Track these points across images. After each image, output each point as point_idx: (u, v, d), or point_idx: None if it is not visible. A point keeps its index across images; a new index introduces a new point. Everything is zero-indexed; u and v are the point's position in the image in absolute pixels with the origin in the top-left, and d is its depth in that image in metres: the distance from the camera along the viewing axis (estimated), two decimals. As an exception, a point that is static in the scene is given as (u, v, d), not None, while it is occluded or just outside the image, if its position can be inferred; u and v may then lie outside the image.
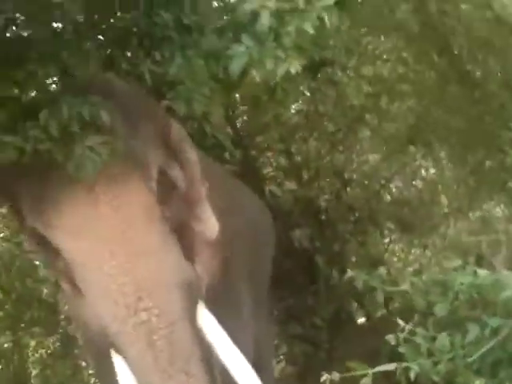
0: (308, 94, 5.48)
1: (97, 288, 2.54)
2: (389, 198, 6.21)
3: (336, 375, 2.39)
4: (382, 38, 5.04)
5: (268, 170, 5.88)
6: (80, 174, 2.46)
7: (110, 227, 2.54)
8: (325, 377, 2.41)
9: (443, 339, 2.45)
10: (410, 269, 5.89)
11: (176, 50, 2.58)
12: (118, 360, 2.61)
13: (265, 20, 2.22)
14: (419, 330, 2.51)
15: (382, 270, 2.84)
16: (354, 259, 5.85)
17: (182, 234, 2.77)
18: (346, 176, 5.94)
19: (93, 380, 6.11)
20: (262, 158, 5.78)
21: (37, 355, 6.60)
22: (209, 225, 2.95)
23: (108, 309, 2.52)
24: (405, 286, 2.74)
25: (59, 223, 2.57)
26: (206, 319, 2.66)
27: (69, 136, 2.49)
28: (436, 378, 2.40)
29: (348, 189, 6.03)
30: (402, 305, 2.91)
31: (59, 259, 2.71)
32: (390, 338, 2.49)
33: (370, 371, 2.38)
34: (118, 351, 2.56)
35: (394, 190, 6.36)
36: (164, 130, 2.89)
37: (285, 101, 4.95)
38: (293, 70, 2.36)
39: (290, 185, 5.64)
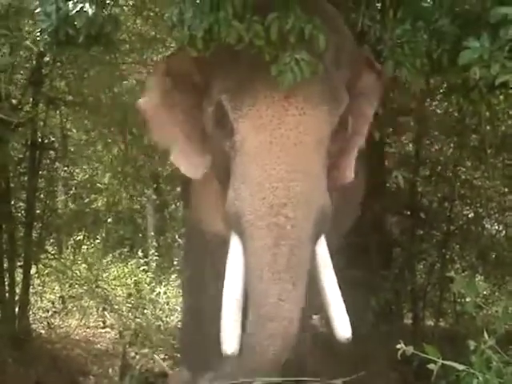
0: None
1: (252, 180, 2.82)
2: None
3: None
4: None
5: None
6: (279, 79, 2.71)
7: (286, 137, 2.83)
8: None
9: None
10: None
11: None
12: (234, 245, 2.89)
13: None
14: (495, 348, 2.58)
15: (481, 284, 2.94)
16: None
17: (329, 169, 3.01)
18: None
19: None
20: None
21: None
22: (344, 174, 3.19)
23: (254, 200, 2.79)
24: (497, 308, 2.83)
25: (249, 114, 2.87)
26: (321, 247, 2.93)
27: (283, 42, 2.73)
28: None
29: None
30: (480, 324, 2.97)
31: (230, 140, 2.96)
32: (471, 344, 2.60)
33: (440, 361, 2.53)
34: (243, 238, 2.83)
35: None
36: (356, 76, 3.16)
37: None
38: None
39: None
